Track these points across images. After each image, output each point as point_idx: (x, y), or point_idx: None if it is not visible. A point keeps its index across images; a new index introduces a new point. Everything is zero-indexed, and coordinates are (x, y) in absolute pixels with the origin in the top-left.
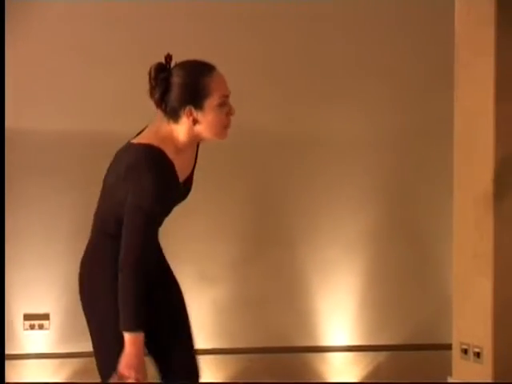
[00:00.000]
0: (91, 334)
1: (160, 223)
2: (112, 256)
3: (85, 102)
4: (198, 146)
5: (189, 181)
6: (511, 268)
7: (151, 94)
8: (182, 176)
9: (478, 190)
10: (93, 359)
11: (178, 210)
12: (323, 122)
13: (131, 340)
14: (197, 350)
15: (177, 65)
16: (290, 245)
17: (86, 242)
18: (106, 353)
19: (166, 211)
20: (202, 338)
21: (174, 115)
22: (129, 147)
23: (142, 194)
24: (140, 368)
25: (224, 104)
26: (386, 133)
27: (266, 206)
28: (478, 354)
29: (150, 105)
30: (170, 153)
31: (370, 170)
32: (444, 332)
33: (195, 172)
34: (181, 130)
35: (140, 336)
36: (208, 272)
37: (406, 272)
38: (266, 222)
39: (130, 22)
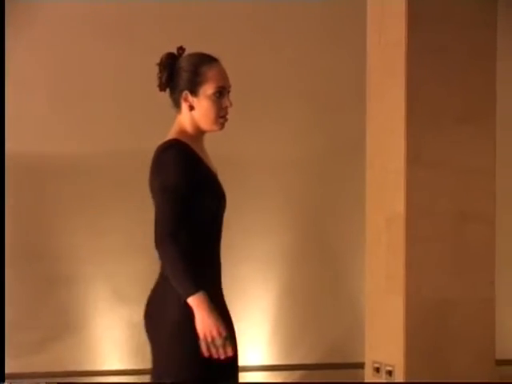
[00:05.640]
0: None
1: (213, 231)
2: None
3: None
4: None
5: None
6: (422, 288)
7: (159, 79)
8: (211, 166)
9: (390, 211)
10: None
11: (92, 229)
12: (238, 141)
13: (196, 302)
14: (109, 371)
15: (186, 55)
16: None
17: None
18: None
19: (215, 209)
20: (116, 358)
21: (176, 102)
22: None
23: (164, 175)
24: (218, 324)
25: (220, 95)
26: (299, 153)
27: None
28: (390, 373)
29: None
30: (187, 141)
31: (284, 189)
32: (357, 351)
33: None
34: (184, 119)
35: (202, 295)
36: (123, 292)
37: (319, 291)
38: None
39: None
